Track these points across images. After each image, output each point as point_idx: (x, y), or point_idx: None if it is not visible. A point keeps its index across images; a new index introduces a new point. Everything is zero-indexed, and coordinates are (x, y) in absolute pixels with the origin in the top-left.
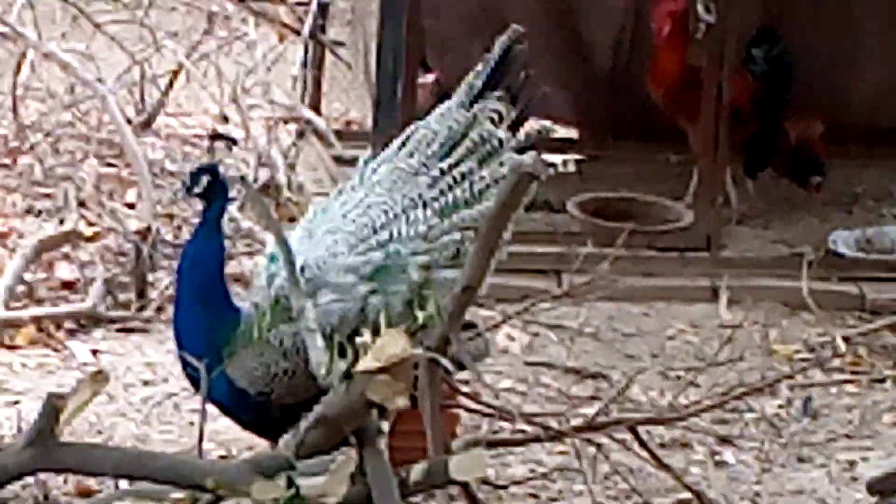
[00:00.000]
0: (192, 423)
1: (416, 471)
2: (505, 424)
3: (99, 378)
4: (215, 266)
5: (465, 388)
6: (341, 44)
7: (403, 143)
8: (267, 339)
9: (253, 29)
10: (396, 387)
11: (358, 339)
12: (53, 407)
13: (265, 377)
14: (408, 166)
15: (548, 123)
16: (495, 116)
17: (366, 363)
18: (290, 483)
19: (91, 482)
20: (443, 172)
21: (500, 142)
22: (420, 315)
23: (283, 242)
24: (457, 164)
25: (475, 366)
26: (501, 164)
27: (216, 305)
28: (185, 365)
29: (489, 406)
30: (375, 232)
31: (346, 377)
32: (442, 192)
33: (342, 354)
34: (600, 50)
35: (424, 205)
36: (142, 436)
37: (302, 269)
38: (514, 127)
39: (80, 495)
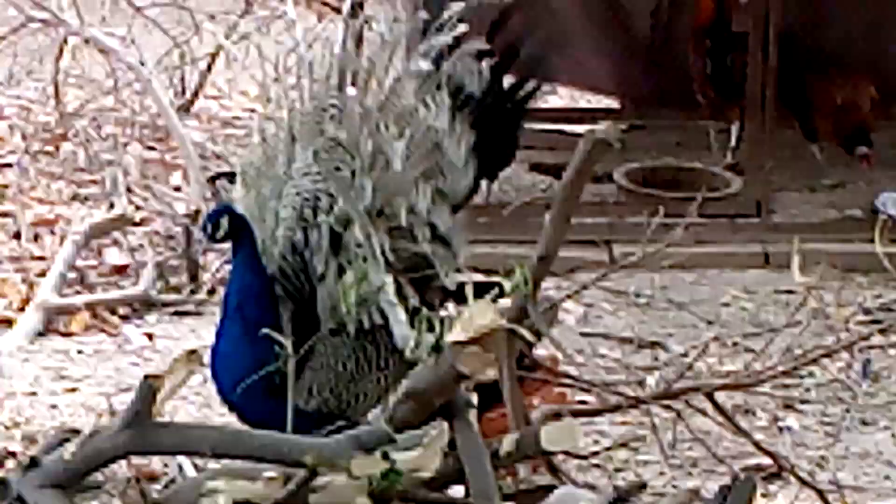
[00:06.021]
0: None
1: (507, 442)
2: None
3: (193, 357)
4: (266, 302)
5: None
6: None
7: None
8: (331, 363)
9: (292, 8)
10: (486, 358)
11: (443, 312)
12: (150, 388)
13: (338, 405)
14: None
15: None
16: None
17: (455, 335)
18: (385, 457)
19: (155, 466)
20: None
21: None
22: (507, 285)
23: (360, 215)
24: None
25: (554, 336)
26: None
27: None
28: (223, 392)
29: (570, 377)
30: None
31: (434, 350)
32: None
33: (430, 328)
34: (639, 18)
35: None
36: (201, 419)
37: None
38: None
39: (146, 479)
